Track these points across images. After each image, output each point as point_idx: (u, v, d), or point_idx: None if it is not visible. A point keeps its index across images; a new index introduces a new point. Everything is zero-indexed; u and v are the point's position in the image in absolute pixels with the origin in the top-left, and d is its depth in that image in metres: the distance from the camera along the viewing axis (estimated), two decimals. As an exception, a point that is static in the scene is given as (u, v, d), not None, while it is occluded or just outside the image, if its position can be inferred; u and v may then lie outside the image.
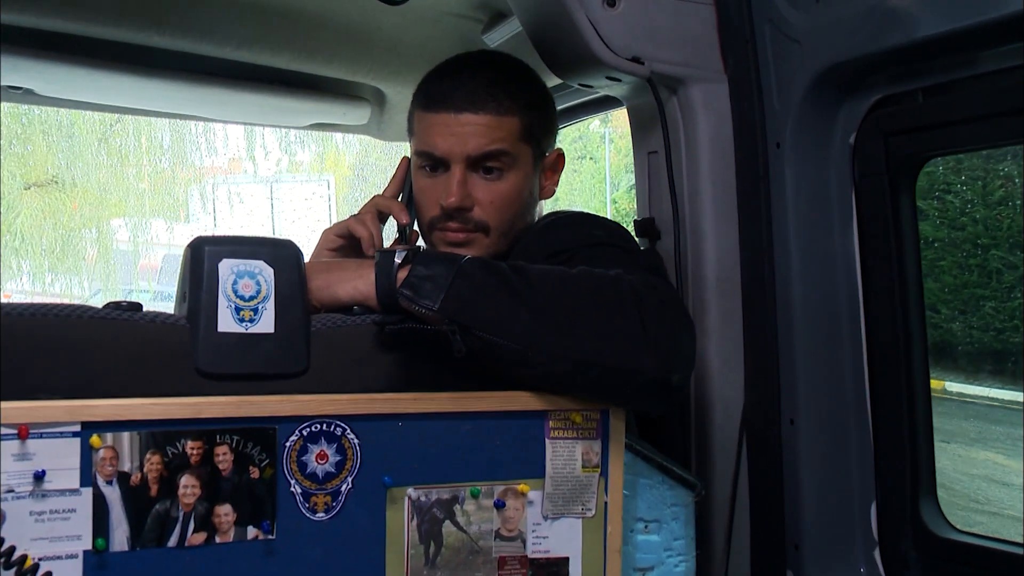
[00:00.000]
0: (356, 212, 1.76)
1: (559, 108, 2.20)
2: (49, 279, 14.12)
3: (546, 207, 2.02)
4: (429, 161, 1.71)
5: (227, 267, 1.27)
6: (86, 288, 13.99)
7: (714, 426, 1.65)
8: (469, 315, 1.29)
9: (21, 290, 13.34)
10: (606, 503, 1.39)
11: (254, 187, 15.75)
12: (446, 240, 1.72)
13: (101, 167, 15.03)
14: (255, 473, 1.23)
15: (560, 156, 1.80)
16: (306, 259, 1.36)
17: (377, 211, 1.75)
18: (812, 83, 1.53)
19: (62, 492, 1.16)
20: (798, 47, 1.54)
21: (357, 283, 1.37)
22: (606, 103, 2.29)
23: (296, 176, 16.17)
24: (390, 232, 1.79)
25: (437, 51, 1.81)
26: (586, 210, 1.87)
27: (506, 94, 1.68)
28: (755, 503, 1.62)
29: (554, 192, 1.81)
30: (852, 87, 1.53)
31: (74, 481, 1.16)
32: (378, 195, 1.79)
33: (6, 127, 13.68)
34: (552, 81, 1.83)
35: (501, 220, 1.71)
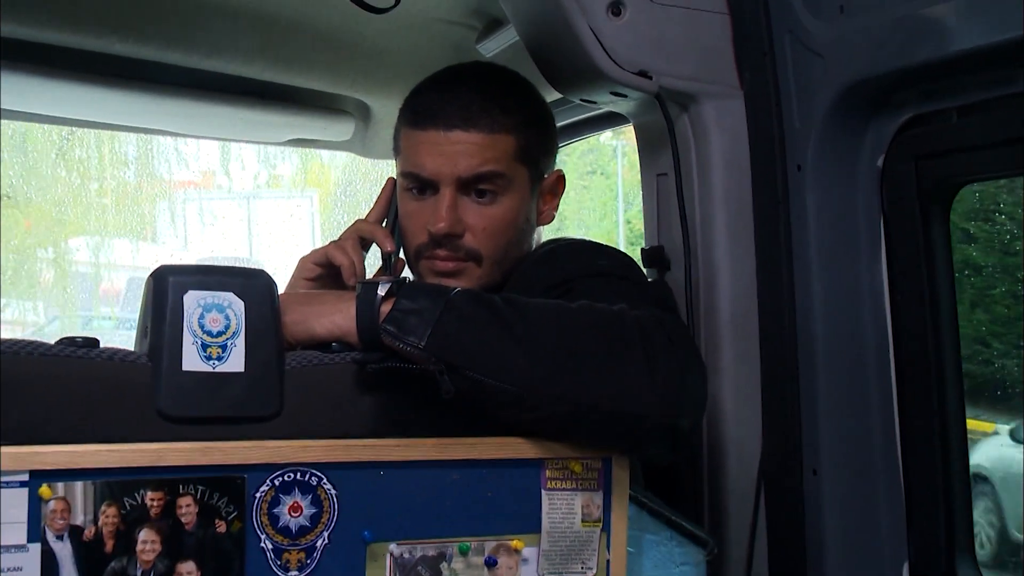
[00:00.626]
0: (338, 236, 1.77)
1: (560, 125, 2.22)
2: (1, 304, 14.11)
3: (549, 231, 2.03)
4: (416, 183, 1.71)
5: (193, 299, 1.28)
6: (41, 314, 13.95)
7: (729, 476, 1.65)
8: (458, 353, 1.30)
9: (-33, 318, 13.31)
10: (608, 561, 1.39)
11: (229, 203, 15.74)
12: (434, 270, 1.72)
13: (59, 182, 15.03)
14: (222, 527, 1.24)
15: (560, 179, 1.80)
16: (281, 289, 1.37)
17: (359, 237, 1.76)
18: (836, 100, 1.54)
19: (7, 548, 1.16)
20: (821, 61, 1.55)
21: (336, 317, 1.39)
22: (611, 120, 2.31)
23: (276, 192, 16.16)
24: (373, 260, 1.80)
25: (427, 61, 1.82)
26: (593, 233, 1.88)
27: (501, 110, 1.68)
28: (774, 562, 1.63)
29: (553, 218, 1.81)
30: (880, 105, 1.54)
31: (21, 536, 1.17)
32: (360, 220, 1.79)
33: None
34: (552, 96, 1.84)
35: (494, 248, 1.71)
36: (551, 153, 1.79)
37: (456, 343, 1.31)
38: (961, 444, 1.54)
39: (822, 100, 1.56)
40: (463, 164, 1.67)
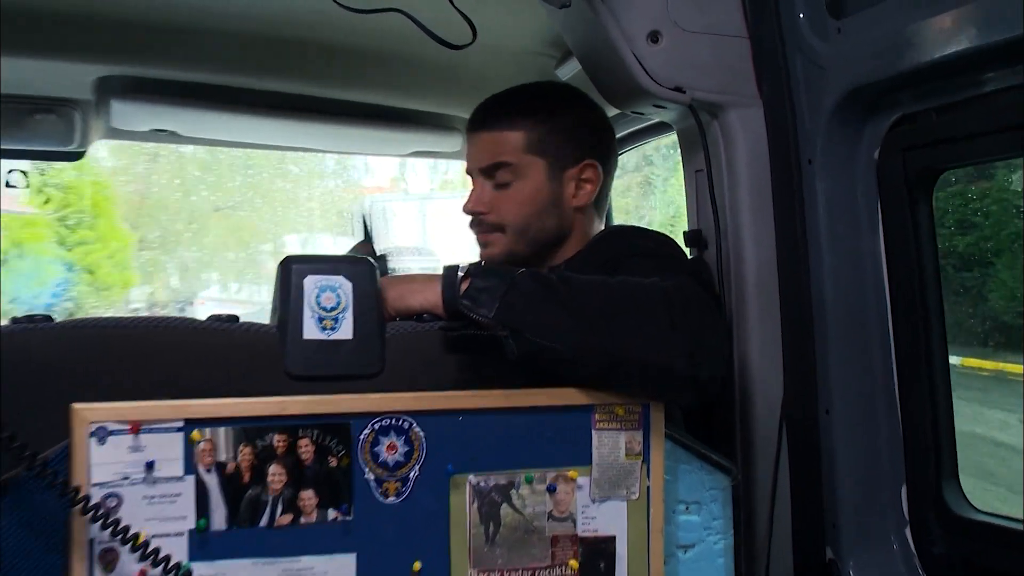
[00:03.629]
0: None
1: (622, 134, 2.19)
2: (234, 288, 14.60)
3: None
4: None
5: (311, 282, 1.31)
6: (264, 295, 14.41)
7: (756, 418, 1.61)
8: (520, 321, 1.30)
9: (211, 298, 13.82)
10: (648, 487, 1.37)
11: (408, 204, 15.98)
12: (477, 241, 1.81)
13: (277, 191, 15.50)
14: (333, 462, 1.26)
15: (591, 166, 1.75)
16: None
17: None
18: (838, 104, 1.48)
19: (169, 479, 1.20)
20: (825, 72, 1.49)
21: (427, 294, 1.40)
22: (661, 128, 2.27)
23: (446, 193, 16.34)
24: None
25: (515, 84, 1.82)
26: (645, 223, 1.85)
27: (513, 111, 1.73)
28: (795, 486, 1.58)
29: (589, 200, 1.76)
30: (875, 107, 1.48)
31: (179, 470, 1.21)
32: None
33: (198, 161, 14.26)
34: (611, 110, 1.82)
35: (514, 220, 1.74)
36: (575, 145, 1.74)
37: (518, 313, 1.30)
38: (946, 385, 1.48)
39: (827, 105, 1.50)
40: (480, 157, 1.75)
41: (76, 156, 2.46)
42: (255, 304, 13.37)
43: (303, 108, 2.39)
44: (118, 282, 12.92)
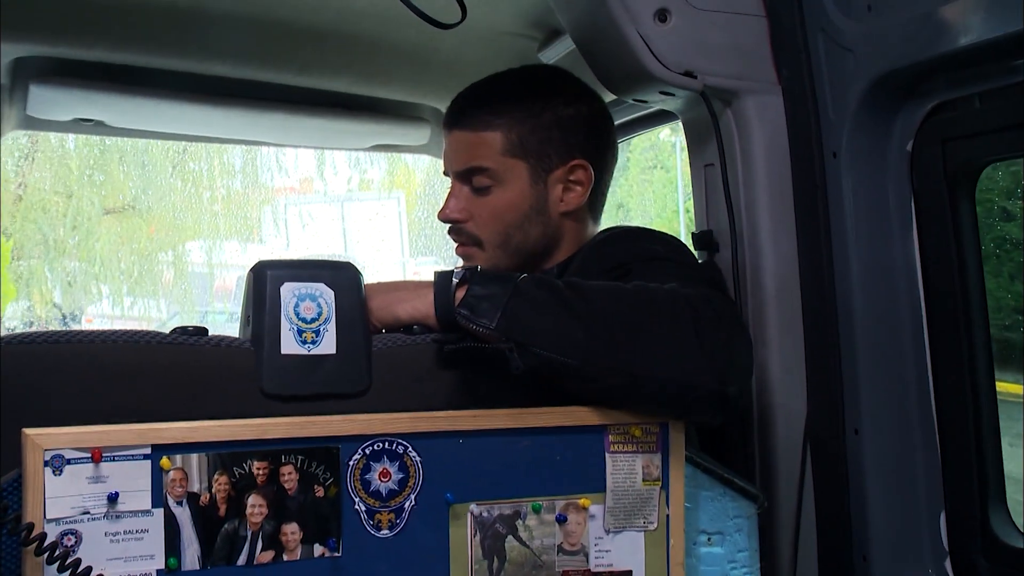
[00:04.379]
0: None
1: (617, 123, 2.21)
2: (128, 303, 14.36)
3: (614, 220, 2.03)
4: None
5: (289, 290, 1.31)
6: (163, 310, 14.19)
7: (777, 437, 1.64)
8: (525, 332, 1.31)
9: (101, 314, 13.58)
10: (668, 516, 1.39)
11: (325, 206, 15.88)
12: (456, 251, 1.81)
13: (175, 191, 15.28)
14: (320, 492, 1.26)
15: (580, 167, 1.76)
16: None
17: None
18: (867, 91, 1.52)
19: (135, 513, 1.19)
20: (852, 56, 1.53)
21: (416, 303, 1.40)
22: (662, 117, 2.30)
23: (366, 194, 16.27)
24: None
25: (493, 70, 1.83)
26: (656, 223, 1.87)
27: (488, 110, 1.73)
28: (821, 514, 1.61)
29: (579, 204, 1.77)
30: (908, 94, 1.52)
31: (146, 502, 1.20)
32: None
33: (83, 158, 14.01)
34: (608, 96, 1.84)
35: (493, 234, 1.75)
36: (560, 145, 1.75)
37: (523, 323, 1.31)
38: (991, 402, 1.52)
39: (854, 92, 1.54)
40: (455, 160, 1.76)
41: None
42: (152, 321, 13.18)
43: (249, 95, 2.37)
44: (5, 294, 12.64)
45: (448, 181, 1.81)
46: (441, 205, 1.80)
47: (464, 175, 1.75)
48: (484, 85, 1.80)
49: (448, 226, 1.80)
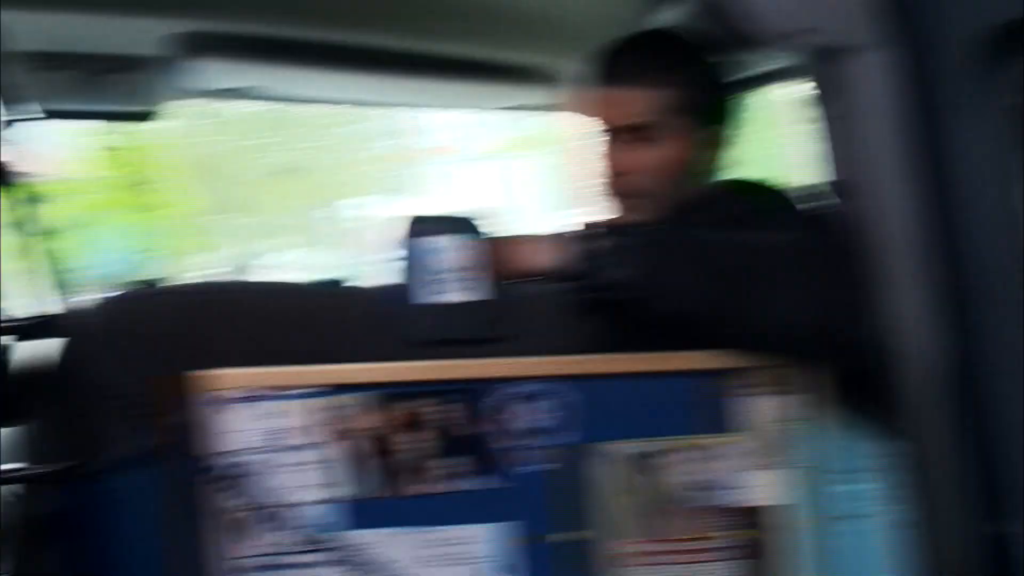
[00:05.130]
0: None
1: (735, 80, 2.17)
2: (290, 256, 14.77)
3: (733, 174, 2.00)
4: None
5: (427, 244, 1.34)
6: (320, 262, 14.54)
7: (915, 380, 1.59)
8: (661, 282, 1.31)
9: (265, 266, 14.00)
10: (803, 456, 1.39)
11: (468, 166, 15.97)
12: (609, 206, 1.79)
13: (331, 154, 15.64)
14: (470, 430, 1.32)
15: (719, 127, 1.79)
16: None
17: None
18: (976, 42, 1.48)
19: (302, 447, 1.27)
20: (959, 8, 1.49)
21: (551, 254, 1.42)
22: (781, 74, 2.24)
23: (507, 154, 16.31)
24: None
25: (613, 31, 1.83)
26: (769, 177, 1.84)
27: (649, 66, 1.73)
28: (962, 453, 1.57)
29: (717, 162, 1.80)
30: (1018, 44, 1.46)
31: (313, 437, 1.27)
32: None
33: (247, 124, 14.46)
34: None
35: (641, 189, 1.73)
36: (708, 107, 1.77)
37: (656, 274, 1.31)
38: None
39: (962, 44, 1.49)
40: (613, 115, 1.74)
41: (148, 117, 2.51)
42: (309, 271, 13.50)
43: (383, 62, 2.41)
44: (187, 248, 13.18)
45: (592, 138, 1.80)
46: (583, 162, 1.81)
47: (625, 130, 1.73)
48: (644, 44, 1.80)
49: (596, 180, 1.78)
